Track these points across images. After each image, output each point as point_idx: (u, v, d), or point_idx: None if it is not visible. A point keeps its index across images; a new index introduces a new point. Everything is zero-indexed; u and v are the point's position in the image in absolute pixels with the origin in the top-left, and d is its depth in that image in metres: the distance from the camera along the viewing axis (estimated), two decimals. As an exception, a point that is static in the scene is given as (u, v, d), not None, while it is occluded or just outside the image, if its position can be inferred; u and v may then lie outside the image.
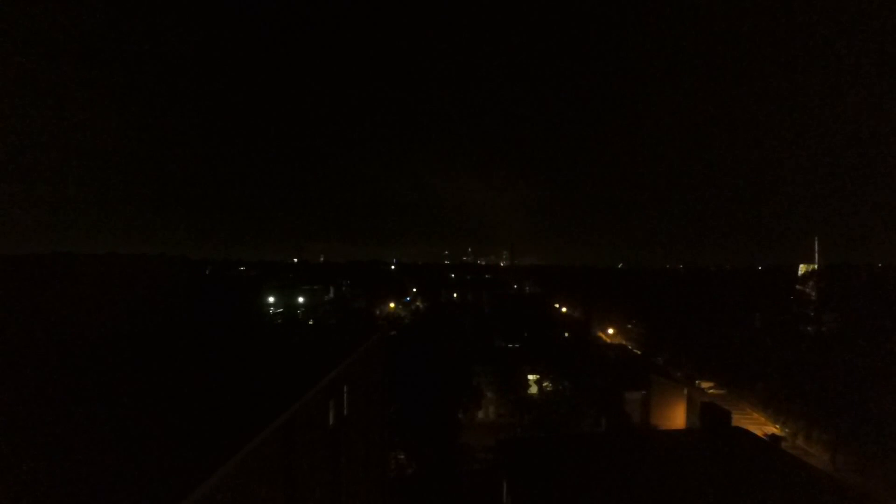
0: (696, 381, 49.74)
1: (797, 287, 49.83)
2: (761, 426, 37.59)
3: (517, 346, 47.29)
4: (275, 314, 66.10)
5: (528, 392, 36.21)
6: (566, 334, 61.25)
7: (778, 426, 36.24)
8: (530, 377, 37.61)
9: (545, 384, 36.11)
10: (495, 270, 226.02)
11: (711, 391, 48.41)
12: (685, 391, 37.33)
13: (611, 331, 79.96)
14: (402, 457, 27.61)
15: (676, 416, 34.86)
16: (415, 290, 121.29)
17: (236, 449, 7.15)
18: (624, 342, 70.39)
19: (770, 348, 42.81)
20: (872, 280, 35.23)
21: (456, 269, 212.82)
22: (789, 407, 33.72)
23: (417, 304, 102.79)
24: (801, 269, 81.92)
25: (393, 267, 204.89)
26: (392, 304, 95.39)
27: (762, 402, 39.85)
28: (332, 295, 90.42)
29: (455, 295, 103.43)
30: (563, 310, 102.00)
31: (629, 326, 77.42)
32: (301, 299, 77.08)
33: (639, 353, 58.91)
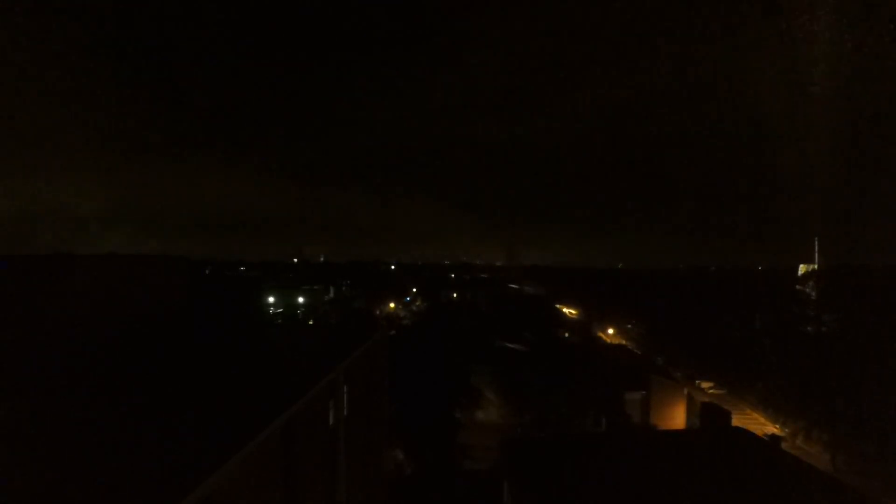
0: (696, 381, 49.75)
1: (797, 287, 49.69)
2: (761, 426, 37.55)
3: (517, 345, 47.30)
4: (275, 314, 66.12)
5: (528, 392, 36.19)
6: (566, 334, 61.29)
7: (778, 426, 36.22)
8: (530, 377, 37.59)
9: (545, 384, 36.07)
10: (494, 270, 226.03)
11: (711, 391, 48.43)
12: (685, 391, 37.32)
13: (611, 331, 79.98)
14: (402, 456, 27.62)
15: (676, 416, 34.85)
16: (415, 290, 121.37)
17: (236, 449, 7.15)
18: (624, 342, 70.38)
19: (770, 348, 42.79)
20: (872, 280, 35.14)
21: (455, 269, 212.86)
22: (789, 407, 33.70)
23: (417, 303, 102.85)
24: (801, 269, 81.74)
25: (393, 267, 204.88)
26: (392, 304, 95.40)
27: (762, 402, 39.84)
28: (332, 295, 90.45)
29: (455, 295, 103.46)
30: (563, 310, 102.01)
31: (629, 326, 77.43)
32: (301, 299, 77.11)
33: (639, 353, 58.92)
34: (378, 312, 78.13)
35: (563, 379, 34.17)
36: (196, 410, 9.08)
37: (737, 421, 22.02)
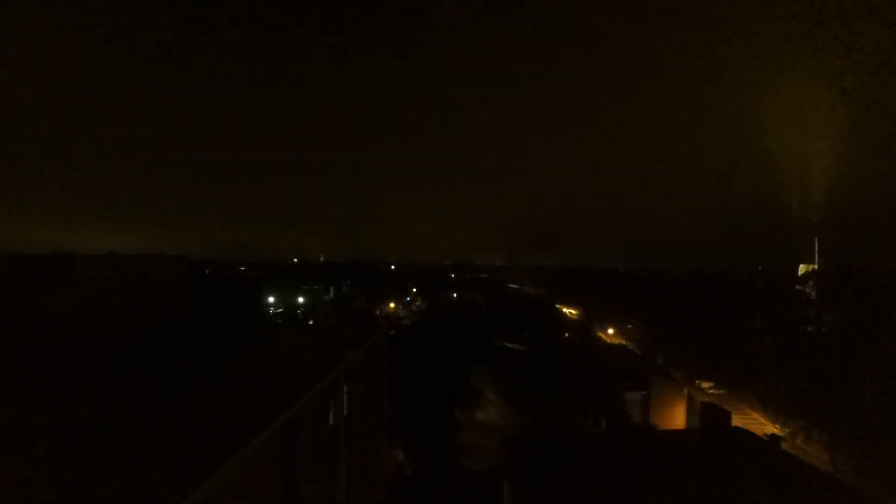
0: (696, 381, 49.76)
1: (797, 287, 49.62)
2: (761, 426, 37.56)
3: (517, 346, 47.30)
4: (275, 314, 66.05)
5: (528, 392, 36.20)
6: (566, 334, 61.28)
7: (778, 426, 36.20)
8: (530, 377, 37.58)
9: (545, 384, 36.06)
10: (494, 270, 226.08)
11: (711, 391, 48.45)
12: (685, 391, 37.31)
13: (611, 331, 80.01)
14: (402, 456, 27.61)
15: (676, 416, 34.85)
16: (415, 290, 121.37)
17: (236, 449, 7.15)
18: (624, 342, 70.39)
19: (770, 348, 42.72)
20: (872, 280, 35.08)
21: (455, 269, 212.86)
22: (789, 407, 33.67)
23: (417, 303, 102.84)
24: (801, 269, 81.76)
25: (393, 267, 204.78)
26: (392, 304, 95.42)
27: (762, 402, 39.81)
28: (332, 295, 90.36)
29: (455, 295, 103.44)
30: (563, 310, 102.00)
31: (629, 327, 77.43)
32: (301, 299, 77.00)
33: (639, 353, 58.90)
34: (378, 312, 78.10)
35: (563, 379, 34.17)
36: (196, 410, 9.08)
37: (737, 421, 22.01)
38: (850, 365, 30.02)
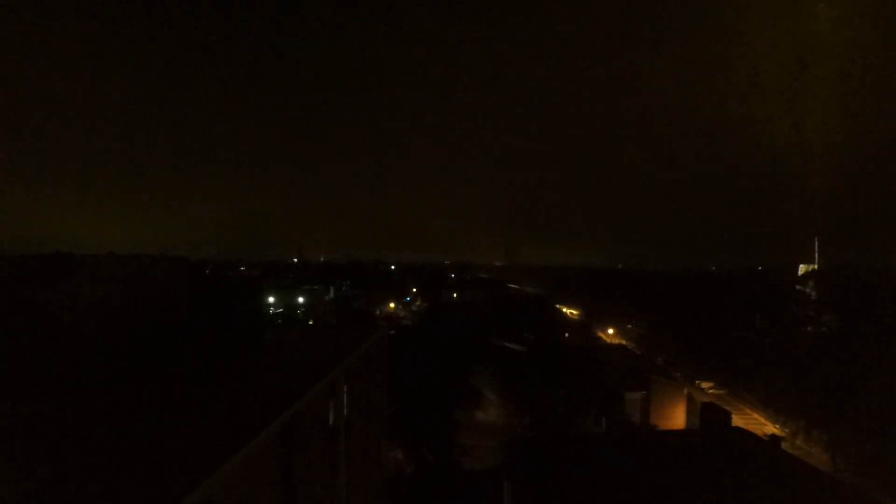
0: (696, 381, 49.79)
1: (797, 287, 49.66)
2: (761, 426, 37.58)
3: (517, 345, 47.29)
4: (275, 314, 66.05)
5: (528, 392, 36.21)
6: (566, 334, 61.30)
7: (778, 426, 36.22)
8: (530, 377, 37.58)
9: (545, 384, 36.07)
10: (494, 270, 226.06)
11: (711, 391, 48.48)
12: (685, 391, 37.31)
13: (611, 331, 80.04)
14: (402, 456, 27.63)
15: (676, 416, 34.83)
16: (415, 290, 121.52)
17: (236, 449, 7.15)
18: (624, 342, 70.41)
19: (770, 348, 42.78)
20: (872, 280, 35.11)
21: (455, 269, 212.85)
22: (789, 407, 33.69)
23: (417, 303, 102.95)
24: (801, 269, 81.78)
25: (393, 267, 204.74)
26: (392, 304, 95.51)
27: (762, 402, 39.85)
28: (332, 295, 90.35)
29: (455, 295, 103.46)
30: (563, 310, 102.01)
31: (629, 326, 77.49)
32: (301, 299, 76.99)
33: (639, 353, 58.92)
34: (378, 312, 78.17)
35: (563, 379, 34.15)
36: (196, 410, 9.08)
37: (737, 421, 22.07)
38: (850, 365, 30.01)
